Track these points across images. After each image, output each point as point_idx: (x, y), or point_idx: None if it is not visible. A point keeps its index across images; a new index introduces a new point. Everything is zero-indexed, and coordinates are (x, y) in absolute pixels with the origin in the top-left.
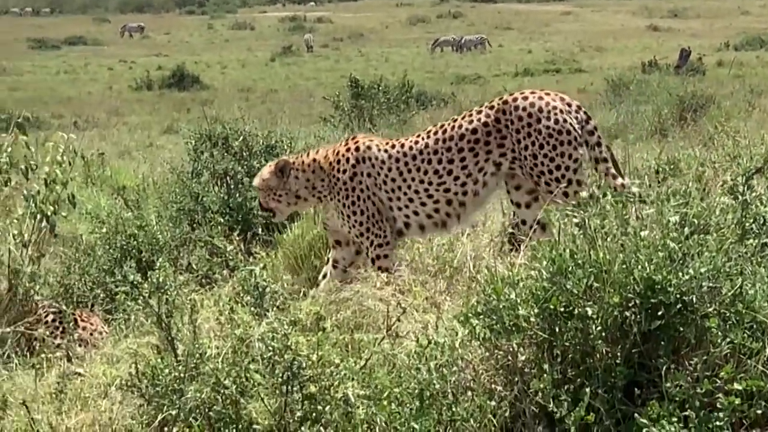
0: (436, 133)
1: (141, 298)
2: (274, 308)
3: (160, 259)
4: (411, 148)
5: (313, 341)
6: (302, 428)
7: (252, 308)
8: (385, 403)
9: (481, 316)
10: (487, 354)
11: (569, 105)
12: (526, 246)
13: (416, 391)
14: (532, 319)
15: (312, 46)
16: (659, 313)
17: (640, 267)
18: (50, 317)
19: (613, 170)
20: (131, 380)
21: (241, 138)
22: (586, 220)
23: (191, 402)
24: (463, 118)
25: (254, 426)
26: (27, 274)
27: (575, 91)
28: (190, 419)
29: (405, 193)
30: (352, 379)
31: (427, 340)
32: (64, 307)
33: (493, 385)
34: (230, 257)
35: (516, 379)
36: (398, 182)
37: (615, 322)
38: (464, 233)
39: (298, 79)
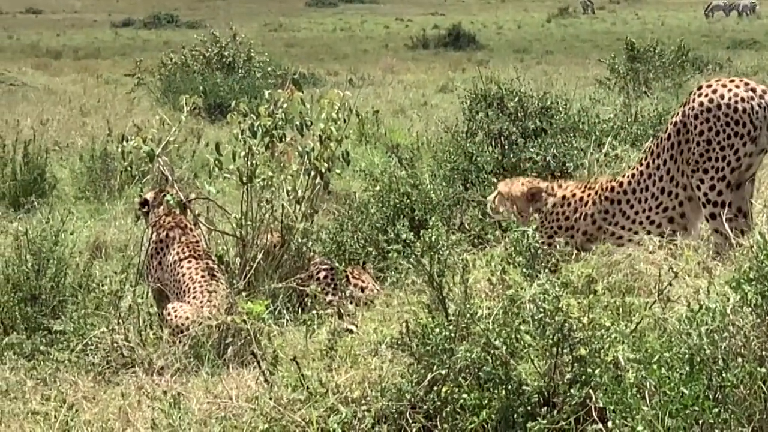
0: (646, 159)
1: (413, 256)
2: (546, 270)
3: (433, 218)
4: (629, 183)
5: (584, 304)
6: (571, 390)
7: (524, 269)
8: (655, 367)
9: (754, 282)
10: (759, 320)
11: (753, 90)
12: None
13: (686, 356)
14: None
15: (589, 6)
16: None
17: None
18: (322, 274)
19: None
20: (402, 339)
21: (517, 99)
22: None
23: (461, 362)
24: (663, 131)
25: (523, 387)
26: (300, 230)
27: None
28: (460, 379)
29: (630, 230)
30: (623, 342)
31: (699, 305)
32: (336, 264)
33: (763, 352)
34: (503, 218)
35: None
36: (621, 222)
37: None
38: None
39: (574, 41)
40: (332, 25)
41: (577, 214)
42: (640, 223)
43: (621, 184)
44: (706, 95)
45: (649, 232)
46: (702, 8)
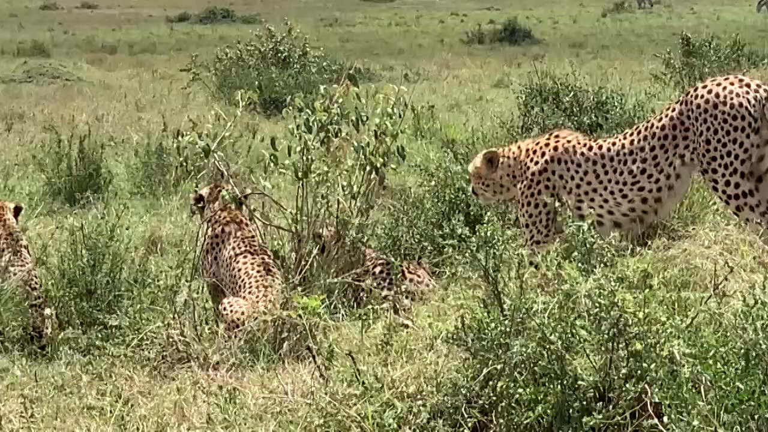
0: (632, 134)
1: (468, 251)
2: (601, 264)
3: (488, 213)
4: (609, 149)
5: (639, 298)
6: (627, 385)
7: (579, 264)
8: (710, 362)
9: None
10: None
11: (748, 86)
12: None
13: (742, 350)
14: None
15: (644, 1)
16: None
17: None
18: (378, 269)
19: None
20: (457, 333)
21: (572, 93)
22: None
23: (516, 356)
24: (656, 118)
25: (579, 382)
26: (355, 225)
27: None
28: (515, 374)
29: (600, 195)
30: (678, 337)
31: (754, 299)
32: (391, 259)
33: None
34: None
35: None
36: (594, 184)
37: None
38: None
39: (629, 36)
40: (387, 20)
41: (547, 157)
42: (611, 192)
43: (600, 147)
44: (702, 96)
45: (619, 204)
46: (756, 3)
